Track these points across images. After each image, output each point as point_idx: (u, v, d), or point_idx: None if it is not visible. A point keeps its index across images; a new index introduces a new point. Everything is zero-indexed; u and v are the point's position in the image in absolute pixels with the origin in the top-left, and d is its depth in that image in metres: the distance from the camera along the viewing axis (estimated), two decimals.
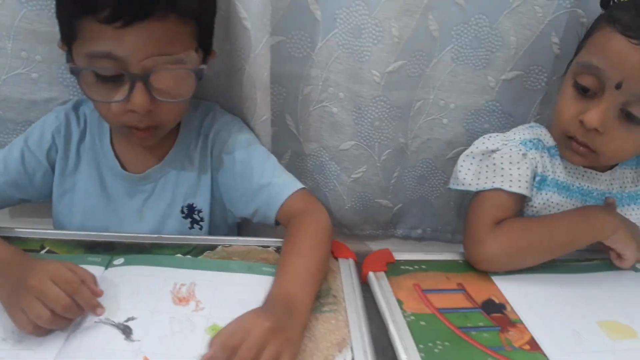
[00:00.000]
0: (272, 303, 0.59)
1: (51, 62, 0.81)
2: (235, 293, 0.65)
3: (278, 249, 0.76)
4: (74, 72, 0.65)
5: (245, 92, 0.82)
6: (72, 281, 0.56)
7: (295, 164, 0.98)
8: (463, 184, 0.79)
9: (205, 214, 0.81)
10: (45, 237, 0.74)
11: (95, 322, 0.58)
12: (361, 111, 0.89)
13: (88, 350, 0.54)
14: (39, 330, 0.55)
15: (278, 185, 0.76)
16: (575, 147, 0.73)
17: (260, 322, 0.53)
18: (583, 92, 0.70)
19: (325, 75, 0.87)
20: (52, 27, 0.77)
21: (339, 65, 0.85)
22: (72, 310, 0.56)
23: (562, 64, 0.81)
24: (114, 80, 0.64)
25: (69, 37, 0.65)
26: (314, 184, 1.00)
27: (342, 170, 0.96)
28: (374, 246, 1.03)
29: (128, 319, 0.59)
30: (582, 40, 0.75)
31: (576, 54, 0.75)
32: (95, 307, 0.57)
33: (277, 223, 0.77)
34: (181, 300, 0.63)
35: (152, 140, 0.73)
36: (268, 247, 0.76)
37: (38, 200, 0.80)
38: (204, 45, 0.71)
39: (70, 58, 0.66)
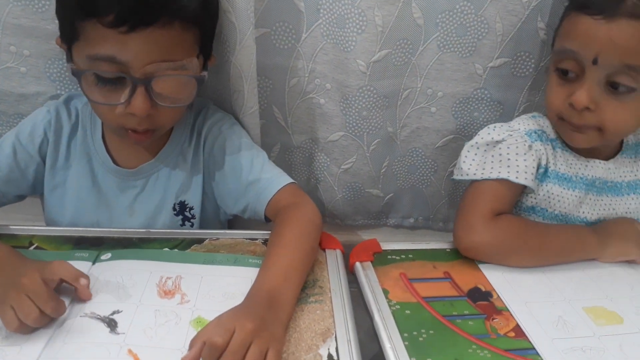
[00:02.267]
0: (254, 299, 0.59)
1: (38, 56, 0.81)
2: (221, 285, 0.66)
3: (265, 242, 0.76)
4: (76, 74, 0.65)
5: (233, 84, 0.82)
6: (55, 272, 0.58)
7: (284, 157, 0.98)
8: (467, 174, 0.79)
9: (196, 211, 0.82)
10: (34, 233, 0.75)
11: (81, 316, 0.59)
12: (348, 101, 0.89)
13: (73, 344, 0.55)
14: (24, 328, 0.55)
15: (266, 180, 0.77)
16: (572, 129, 0.74)
17: (242, 323, 0.52)
18: (565, 75, 0.72)
19: (311, 66, 0.87)
20: (37, 23, 0.78)
21: (325, 56, 0.85)
22: (61, 310, 0.57)
23: (549, 50, 0.81)
24: (114, 82, 0.64)
25: (69, 37, 0.65)
26: (304, 176, 1.00)
27: (332, 162, 0.96)
28: (367, 236, 1.03)
29: (113, 312, 0.59)
30: (555, 30, 0.77)
31: (552, 44, 0.77)
32: (79, 277, 0.59)
33: (267, 219, 0.78)
34: (167, 293, 0.63)
35: (149, 141, 0.74)
36: (255, 239, 0.77)
37: (33, 195, 0.80)
38: (205, 51, 0.72)
39: (69, 57, 0.67)
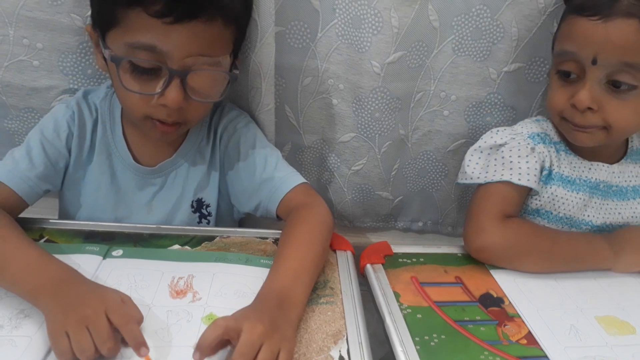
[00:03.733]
0: (264, 300, 0.58)
1: (52, 50, 0.81)
2: (233, 284, 0.65)
3: (276, 241, 0.76)
4: (115, 60, 0.64)
5: (251, 81, 0.82)
6: (126, 316, 0.54)
7: (295, 156, 0.98)
8: (471, 178, 0.79)
9: (213, 208, 0.82)
10: (45, 226, 0.74)
11: None
12: (361, 102, 0.89)
13: None
14: (74, 358, 0.52)
15: (279, 179, 0.76)
16: (575, 130, 0.74)
17: (252, 324, 0.52)
18: (567, 77, 0.73)
19: (325, 66, 0.86)
20: (52, 16, 0.77)
21: (339, 56, 0.85)
22: (116, 352, 0.53)
23: None
24: (149, 72, 0.64)
25: (106, 24, 0.65)
26: (314, 176, 1.00)
27: (343, 163, 0.96)
28: (375, 238, 1.03)
29: None
30: (554, 34, 0.78)
31: (553, 48, 0.78)
32: (141, 346, 0.53)
33: (279, 218, 0.77)
34: (178, 293, 0.63)
35: (174, 135, 0.74)
36: (266, 238, 0.77)
37: (58, 188, 0.79)
38: (236, 50, 0.72)
39: (104, 44, 0.66)
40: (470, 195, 1.00)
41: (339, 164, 0.96)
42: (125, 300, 0.56)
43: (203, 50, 0.64)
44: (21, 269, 0.58)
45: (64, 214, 0.82)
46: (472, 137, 0.94)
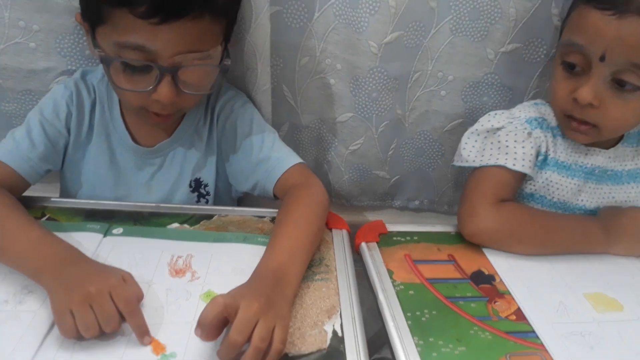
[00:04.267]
0: (260, 277, 0.59)
1: (48, 31, 0.81)
2: (231, 262, 0.67)
3: (273, 219, 0.77)
4: (105, 61, 0.65)
5: (247, 62, 0.82)
6: (131, 302, 0.55)
7: (293, 136, 0.99)
8: (467, 161, 0.79)
9: (211, 188, 0.83)
10: (47, 204, 0.76)
11: None
12: (358, 82, 0.89)
13: None
14: (78, 336, 0.53)
15: (276, 159, 0.77)
16: (575, 126, 0.74)
17: (247, 302, 0.52)
18: (571, 69, 0.71)
19: (323, 46, 0.86)
20: None
21: (336, 35, 0.85)
22: (116, 329, 0.54)
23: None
24: (141, 69, 0.65)
25: (95, 20, 0.65)
26: (311, 156, 1.01)
27: (340, 142, 0.96)
28: (372, 217, 1.04)
29: None
30: (563, 21, 0.76)
31: (560, 35, 0.76)
32: (144, 335, 0.54)
33: (276, 197, 0.79)
34: (178, 272, 0.64)
35: (170, 122, 0.75)
36: (263, 217, 0.78)
37: (58, 168, 0.80)
38: (228, 37, 0.73)
39: (93, 38, 0.66)
40: (466, 175, 1.01)
41: (336, 143, 0.97)
42: (126, 278, 0.58)
43: (192, 46, 0.64)
44: (24, 248, 0.60)
45: (65, 193, 0.83)
46: (469, 117, 0.95)
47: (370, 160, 0.98)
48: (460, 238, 0.78)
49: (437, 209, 1.07)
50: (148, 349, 0.53)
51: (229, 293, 0.54)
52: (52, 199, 0.77)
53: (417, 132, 0.97)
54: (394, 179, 1.02)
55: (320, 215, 0.71)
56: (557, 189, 0.79)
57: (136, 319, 0.54)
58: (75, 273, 0.56)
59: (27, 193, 0.75)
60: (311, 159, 1.01)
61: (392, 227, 0.79)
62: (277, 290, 0.58)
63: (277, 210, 0.77)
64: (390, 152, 0.98)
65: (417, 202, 1.07)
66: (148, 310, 0.58)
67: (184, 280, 0.63)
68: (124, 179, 0.80)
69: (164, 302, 0.60)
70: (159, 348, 0.54)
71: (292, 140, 0.98)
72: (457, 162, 0.82)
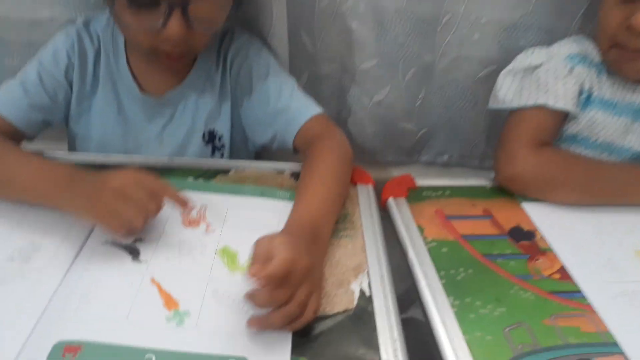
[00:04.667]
0: (301, 232, 0.54)
1: None
2: (247, 216, 0.63)
3: (293, 174, 0.72)
4: None
5: (260, 5, 0.76)
6: (159, 182, 0.56)
7: (312, 87, 0.92)
8: (504, 102, 0.74)
9: (226, 139, 0.78)
10: (54, 158, 0.72)
11: (103, 243, 0.56)
12: (383, 26, 0.82)
13: (95, 270, 0.53)
14: (130, 232, 0.55)
15: (295, 109, 0.72)
16: (628, 57, 0.67)
17: (302, 257, 0.48)
18: None
19: None
20: None
21: None
22: (158, 212, 0.56)
23: None
24: (148, 5, 0.60)
25: None
26: (332, 108, 0.94)
27: (363, 93, 0.90)
28: (397, 173, 0.97)
29: (136, 240, 0.57)
30: None
31: None
32: (187, 202, 0.57)
33: (295, 151, 0.74)
34: (191, 222, 0.60)
35: (181, 65, 0.71)
36: (283, 171, 0.73)
37: (61, 122, 0.76)
38: None
39: None
40: (501, 125, 0.94)
41: (359, 94, 0.90)
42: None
43: None
44: (29, 177, 0.58)
45: (73, 149, 0.79)
46: (504, 64, 0.86)
47: (396, 111, 0.91)
48: (496, 192, 0.72)
49: (468, 164, 1.00)
50: (159, 302, 0.50)
51: (287, 244, 0.47)
52: (60, 154, 0.73)
53: (447, 80, 0.90)
54: (421, 132, 0.95)
55: (346, 168, 0.67)
56: (603, 128, 0.73)
57: (170, 192, 0.56)
58: (92, 182, 0.55)
59: (33, 147, 0.71)
60: (332, 113, 0.95)
61: (421, 182, 0.73)
62: (315, 250, 0.54)
63: (297, 164, 0.73)
64: (418, 103, 0.91)
65: (445, 157, 1.00)
66: (160, 261, 0.55)
67: (198, 232, 0.59)
68: (134, 132, 0.76)
69: (176, 253, 0.56)
70: (171, 303, 0.50)
71: (310, 91, 0.90)
72: (493, 105, 0.76)
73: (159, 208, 0.56)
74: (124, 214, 0.53)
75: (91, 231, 0.58)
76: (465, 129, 0.96)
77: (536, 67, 0.72)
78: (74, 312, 0.48)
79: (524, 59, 0.74)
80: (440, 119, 0.94)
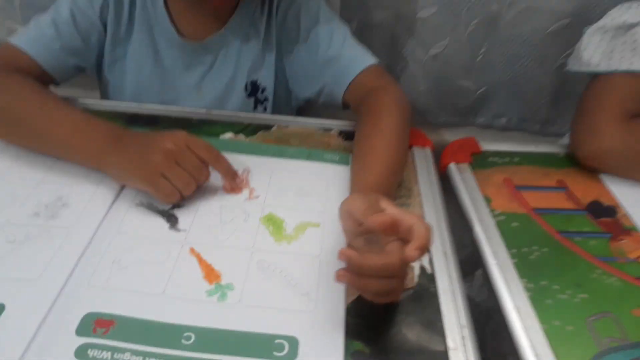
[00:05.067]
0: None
1: None
2: (294, 181, 0.57)
3: (342, 133, 0.66)
4: None
5: None
6: (211, 148, 0.51)
7: (360, 38, 0.82)
8: (589, 65, 0.63)
9: (269, 92, 0.72)
10: (85, 106, 0.66)
11: (137, 204, 0.51)
12: None
13: (128, 236, 0.48)
14: (178, 197, 0.50)
15: (348, 58, 0.65)
16: None
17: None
18: None
19: None
20: None
21: None
22: (206, 181, 0.52)
23: None
24: None
25: None
26: (382, 62, 0.85)
27: (419, 45, 0.81)
28: (449, 136, 0.90)
29: (173, 207, 0.51)
30: None
31: None
32: (235, 176, 0.54)
33: (344, 106, 0.67)
34: (233, 188, 0.55)
35: (223, 7, 0.66)
36: (330, 130, 0.67)
37: (93, 68, 0.70)
38: None
39: None
40: (570, 88, 0.84)
41: (414, 46, 0.82)
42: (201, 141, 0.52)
43: None
44: (70, 131, 0.53)
45: (105, 99, 0.74)
46: (579, 18, 0.77)
47: (454, 67, 0.82)
48: (571, 161, 0.64)
49: (527, 128, 0.91)
50: (199, 274, 0.44)
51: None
52: (89, 102, 0.68)
53: (513, 34, 0.80)
54: (480, 91, 0.87)
55: (408, 128, 0.59)
56: None
57: (223, 163, 0.52)
58: (141, 142, 0.51)
59: (61, 93, 0.65)
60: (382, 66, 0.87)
61: (486, 146, 0.65)
62: None
63: (347, 122, 0.66)
64: (478, 58, 0.82)
65: (504, 120, 0.91)
66: (200, 230, 0.49)
67: (241, 198, 0.54)
68: (171, 81, 0.69)
69: (217, 221, 0.50)
70: (212, 275, 0.45)
71: (359, 42, 0.83)
72: (574, 67, 0.66)
73: (208, 177, 0.52)
74: (174, 181, 0.49)
75: (122, 189, 0.53)
76: (529, 90, 0.86)
77: (632, 26, 0.61)
78: (105, 281, 0.43)
79: (617, 15, 0.63)
80: (501, 77, 0.85)
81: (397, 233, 0.40)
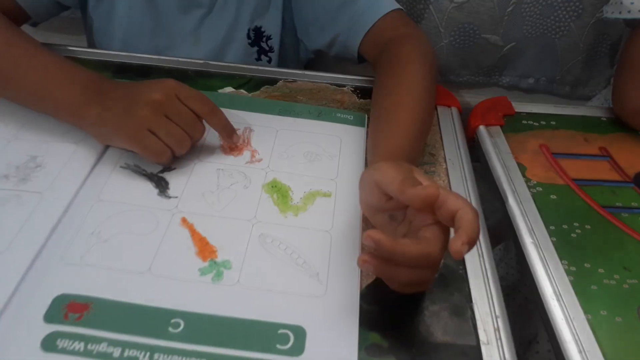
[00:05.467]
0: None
1: None
2: (302, 143, 0.50)
3: (357, 90, 0.58)
4: None
5: None
6: (206, 100, 0.45)
7: None
8: (629, 11, 0.55)
9: (275, 42, 0.64)
10: (68, 55, 0.58)
11: (121, 167, 0.44)
12: None
13: (110, 203, 0.41)
14: (171, 156, 0.44)
15: (365, 3, 0.57)
16: None
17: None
18: None
19: None
20: None
21: None
22: (202, 137, 0.46)
23: None
24: None
25: None
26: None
27: None
28: (470, 97, 0.82)
29: (163, 170, 0.45)
30: None
31: None
32: (232, 134, 0.47)
33: (360, 60, 0.59)
34: (233, 149, 0.48)
35: None
36: (343, 86, 0.59)
37: (77, 7, 0.63)
38: None
39: None
40: (606, 46, 0.76)
41: None
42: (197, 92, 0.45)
43: None
44: (42, 77, 0.45)
45: (92, 43, 0.66)
46: None
47: (481, 18, 0.74)
48: (614, 126, 0.57)
49: (556, 91, 0.83)
50: (191, 249, 0.38)
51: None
52: (73, 49, 0.61)
53: None
54: (507, 47, 0.78)
55: (434, 82, 0.52)
56: None
57: (219, 117, 0.46)
58: (125, 94, 0.44)
59: (42, 40, 0.58)
60: None
61: (520, 107, 0.58)
62: None
63: (361, 77, 0.59)
64: (509, 9, 0.73)
65: (531, 80, 0.83)
66: (193, 197, 0.43)
67: (241, 161, 0.47)
68: (165, 26, 0.62)
69: (213, 186, 0.44)
70: (206, 251, 0.38)
71: None
72: (611, 14, 0.58)
73: (203, 132, 0.45)
74: (164, 137, 0.42)
75: (106, 148, 0.46)
76: (561, 47, 0.78)
77: None
78: (81, 256, 0.37)
79: None
80: (532, 32, 0.76)
81: (435, 215, 0.33)
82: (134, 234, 0.39)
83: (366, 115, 0.54)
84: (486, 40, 0.77)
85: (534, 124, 0.56)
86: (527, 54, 0.80)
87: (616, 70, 0.58)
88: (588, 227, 0.45)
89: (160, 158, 0.43)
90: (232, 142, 0.47)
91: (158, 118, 0.42)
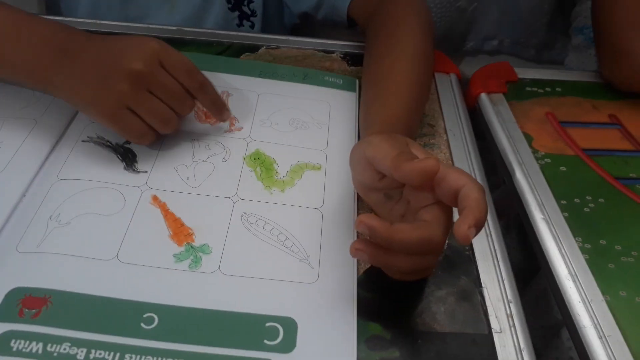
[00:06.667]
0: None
1: None
2: (287, 110, 0.45)
3: (347, 56, 0.54)
4: None
5: None
6: (194, 69, 0.39)
7: None
8: None
9: (257, 5, 0.59)
10: None
11: (83, 141, 0.39)
12: None
13: (68, 182, 0.36)
14: (152, 136, 0.38)
15: None
16: None
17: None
18: None
19: None
20: None
21: None
22: (188, 113, 0.40)
23: None
24: None
25: None
26: None
27: None
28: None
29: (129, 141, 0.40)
30: None
31: None
32: (223, 110, 0.41)
33: (350, 23, 0.56)
34: (208, 116, 0.43)
35: None
36: (332, 52, 0.55)
37: None
38: None
39: None
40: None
41: None
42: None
43: None
44: None
45: (53, 14, 0.60)
46: None
47: None
48: (624, 92, 0.53)
49: (521, 54, 0.78)
50: (164, 232, 0.34)
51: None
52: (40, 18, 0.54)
53: None
54: (471, 8, 0.73)
55: (432, 46, 0.47)
56: None
57: (210, 93, 0.40)
58: (99, 56, 0.37)
59: None
60: None
61: (523, 73, 0.54)
62: None
63: (351, 43, 0.55)
64: None
65: (495, 42, 0.78)
66: (164, 171, 0.38)
67: (219, 130, 0.43)
68: None
69: (188, 160, 0.39)
70: (182, 234, 0.34)
71: None
72: None
73: (192, 107, 0.39)
74: (146, 116, 0.37)
75: (70, 122, 0.41)
76: (525, 8, 0.73)
77: None
78: (39, 243, 0.32)
79: None
80: None
81: (434, 193, 0.29)
82: (98, 215, 0.34)
83: (357, 80, 0.50)
84: (457, 7, 0.72)
85: (539, 90, 0.52)
86: (489, 15, 0.75)
87: (594, 37, 0.53)
88: (602, 200, 0.42)
89: (143, 140, 0.38)
90: (222, 118, 0.42)
91: (139, 93, 0.36)
